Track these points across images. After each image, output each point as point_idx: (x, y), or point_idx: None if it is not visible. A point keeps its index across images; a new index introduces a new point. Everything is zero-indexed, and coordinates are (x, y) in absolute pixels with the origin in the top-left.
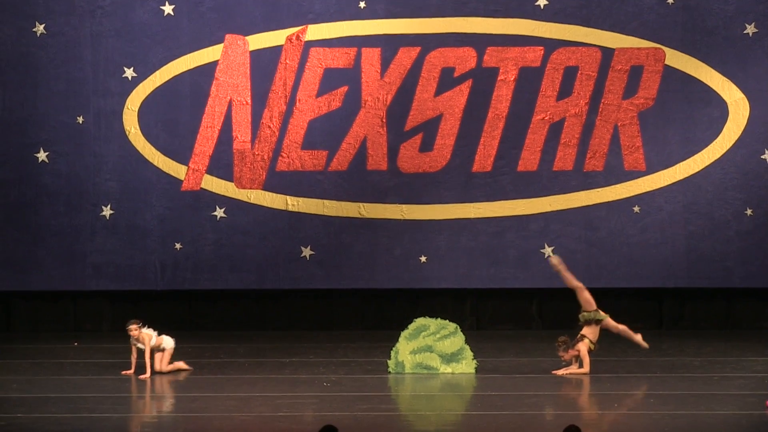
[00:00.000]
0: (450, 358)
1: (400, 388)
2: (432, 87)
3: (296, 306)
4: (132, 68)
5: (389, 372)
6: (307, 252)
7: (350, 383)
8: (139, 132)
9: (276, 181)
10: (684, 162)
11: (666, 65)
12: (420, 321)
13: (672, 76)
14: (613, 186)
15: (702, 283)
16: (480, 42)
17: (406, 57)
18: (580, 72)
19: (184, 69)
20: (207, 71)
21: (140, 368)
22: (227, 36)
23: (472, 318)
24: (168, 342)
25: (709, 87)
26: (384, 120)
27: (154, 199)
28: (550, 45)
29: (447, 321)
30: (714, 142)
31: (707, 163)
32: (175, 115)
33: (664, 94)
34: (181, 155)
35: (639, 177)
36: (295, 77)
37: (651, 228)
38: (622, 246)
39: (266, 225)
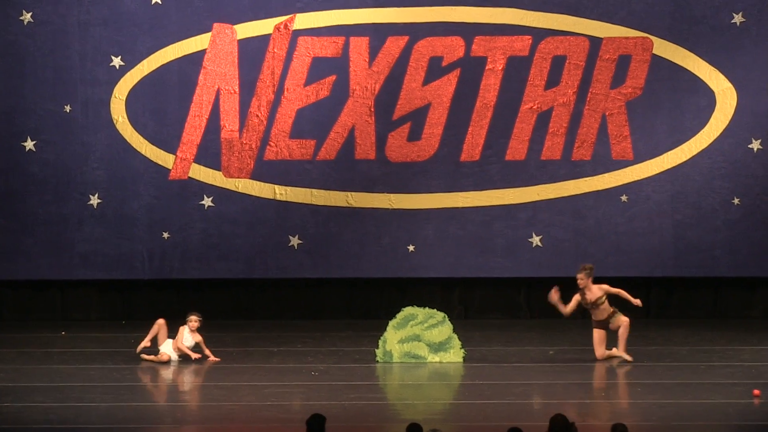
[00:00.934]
0: (438, 347)
1: (388, 377)
2: (420, 76)
3: (284, 295)
4: (120, 57)
5: (377, 361)
6: (295, 241)
7: (338, 372)
8: (127, 121)
9: (264, 170)
10: (671, 151)
11: (654, 54)
12: (408, 310)
13: (660, 65)
14: (600, 175)
15: (689, 272)
16: (468, 31)
17: (394, 46)
18: (568, 61)
19: (172, 58)
20: (195, 60)
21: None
22: (215, 25)
23: (460, 307)
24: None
25: (696, 76)
26: (372, 109)
27: (142, 188)
28: (538, 34)
29: (435, 310)
30: (701, 132)
31: (695, 152)
32: (163, 104)
33: (651, 84)
34: (169, 144)
35: (627, 166)
36: (283, 66)
37: (638, 217)
38: (610, 235)
39: (254, 214)
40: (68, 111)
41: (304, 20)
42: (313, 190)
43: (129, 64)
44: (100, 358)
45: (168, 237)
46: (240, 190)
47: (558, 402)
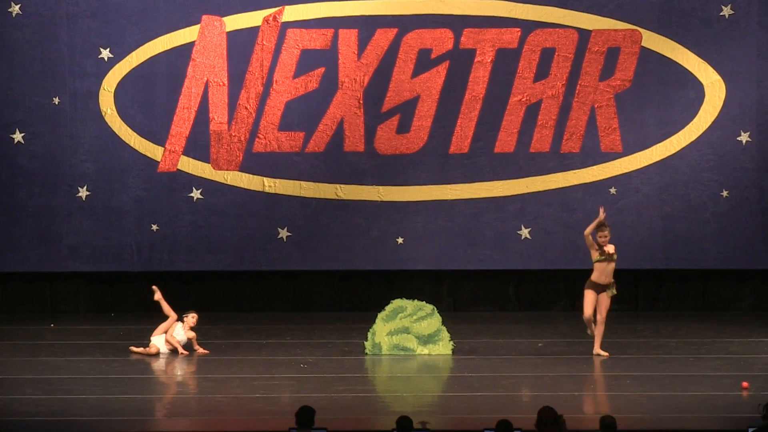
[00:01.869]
0: (427, 339)
1: (377, 369)
2: (409, 68)
3: (273, 287)
4: (108, 49)
5: (366, 353)
6: (283, 233)
7: (327, 365)
8: (116, 113)
9: (253, 163)
10: (660, 144)
11: (643, 47)
12: (397, 302)
13: (649, 57)
14: (589, 167)
15: (678, 265)
16: (457, 23)
17: (383, 38)
18: (557, 53)
19: (161, 50)
20: (184, 52)
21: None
22: (204, 17)
23: (448, 299)
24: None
25: (685, 69)
26: (361, 101)
27: (131, 180)
28: (527, 26)
29: (424, 302)
30: (690, 124)
31: (683, 144)
32: (152, 96)
33: (640, 76)
34: (158, 136)
35: (615, 159)
36: (272, 58)
37: (627, 209)
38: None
39: (243, 206)
40: (57, 103)
41: (292, 12)
42: (302, 182)
43: (118, 56)
44: (89, 351)
45: (157, 229)
46: (229, 183)
47: (547, 394)
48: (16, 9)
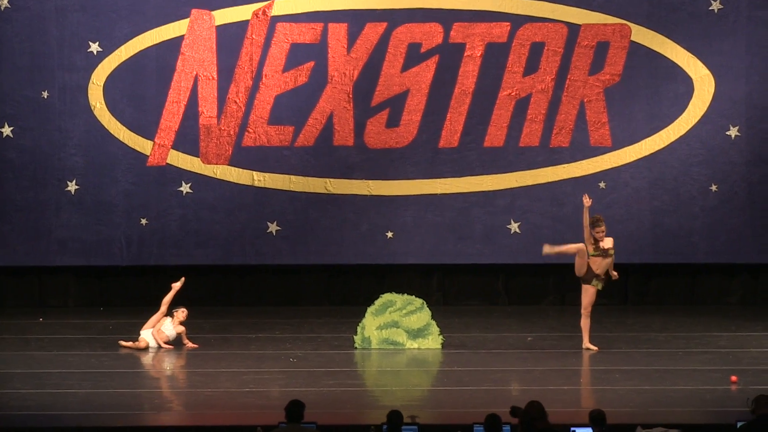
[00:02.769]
0: (416, 333)
1: (366, 363)
2: (399, 62)
3: (262, 282)
4: (97, 43)
5: (356, 347)
6: (273, 227)
7: (316, 359)
8: (105, 107)
9: (242, 157)
10: (649, 138)
11: (632, 41)
12: (386, 296)
13: (638, 52)
14: (579, 162)
15: (667, 259)
16: (446, 17)
17: (372, 32)
18: (546, 48)
19: (150, 44)
20: (173, 46)
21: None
22: (193, 11)
23: (438, 293)
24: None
25: (674, 63)
26: (350, 95)
27: (120, 174)
28: (517, 21)
29: (413, 296)
30: (679, 118)
31: (672, 139)
32: (141, 90)
33: (629, 70)
34: (147, 130)
35: (605, 153)
36: (261, 52)
37: (616, 204)
38: None
39: (232, 200)
40: (46, 97)
41: (282, 6)
42: (292, 176)
43: (107, 50)
44: (78, 345)
45: (146, 223)
46: (218, 177)
47: (536, 388)
48: (4, 2)
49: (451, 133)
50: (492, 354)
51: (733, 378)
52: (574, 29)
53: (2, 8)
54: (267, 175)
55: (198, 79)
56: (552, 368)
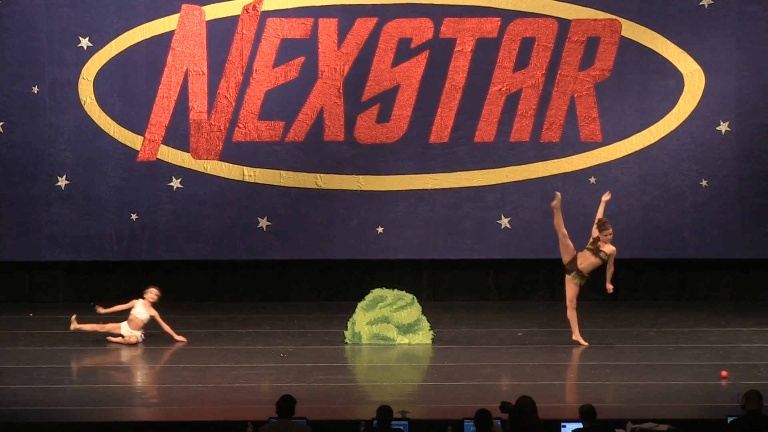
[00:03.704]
0: (407, 328)
1: (356, 358)
2: (389, 58)
3: (253, 277)
4: (87, 38)
5: (346, 343)
6: (263, 223)
7: (307, 354)
8: (95, 102)
9: (233, 152)
10: (640, 133)
11: (622, 36)
12: (377, 292)
13: (628, 47)
14: (569, 157)
15: (657, 254)
16: (437, 13)
17: (363, 27)
18: (536, 43)
19: (140, 39)
20: (163, 41)
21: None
22: (183, 6)
23: (428, 289)
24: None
25: (665, 58)
26: (341, 91)
27: (110, 169)
28: (507, 16)
29: (404, 292)
30: (670, 114)
31: (663, 134)
32: (131, 85)
33: (620, 66)
34: (137, 125)
35: (595, 148)
36: (251, 47)
37: None
38: (579, 217)
39: (223, 196)
40: (36, 92)
41: (272, 1)
42: (282, 171)
43: (97, 45)
44: (68, 340)
45: (136, 218)
46: (208, 172)
47: (527, 383)
48: None
49: (441, 129)
50: (482, 349)
51: (724, 373)
52: (564, 24)
53: None
54: (257, 170)
55: (188, 75)
56: (542, 363)
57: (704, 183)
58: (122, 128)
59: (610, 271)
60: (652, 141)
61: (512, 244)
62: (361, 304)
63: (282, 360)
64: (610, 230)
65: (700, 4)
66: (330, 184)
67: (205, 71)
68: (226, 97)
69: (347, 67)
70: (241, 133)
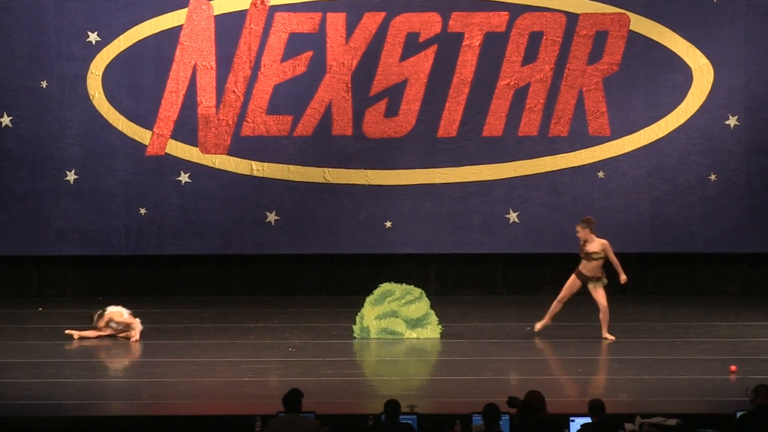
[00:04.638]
0: (415, 323)
1: (365, 353)
2: (397, 52)
3: (261, 271)
4: (96, 32)
5: (354, 337)
6: (271, 217)
7: (315, 348)
8: (103, 96)
9: (241, 146)
10: (648, 127)
11: (630, 30)
12: (385, 286)
13: (636, 41)
14: (577, 151)
15: (665, 248)
16: (445, 7)
17: (371, 22)
18: (545, 37)
19: (149, 33)
20: (171, 36)
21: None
22: (192, 0)
23: (436, 283)
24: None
25: (673, 52)
26: (349, 85)
27: (119, 163)
28: (515, 10)
29: (412, 286)
30: (678, 108)
31: (671, 128)
32: (140, 79)
33: (628, 60)
34: (146, 120)
35: (603, 142)
36: (259, 42)
37: (615, 193)
38: (587, 211)
39: (231, 190)
40: (44, 87)
41: None
42: (290, 166)
43: (105, 40)
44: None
45: (145, 213)
46: (217, 166)
47: (535, 378)
48: None
49: (449, 123)
50: (490, 343)
51: (732, 367)
52: (572, 18)
53: None
54: (265, 164)
55: (197, 69)
56: (550, 358)
57: (713, 177)
58: (131, 123)
59: (614, 262)
60: (661, 135)
61: (520, 238)
62: (369, 299)
63: (290, 354)
64: (578, 227)
65: None
66: (338, 178)
67: (214, 66)
68: (234, 91)
69: (355, 61)
70: (249, 128)
